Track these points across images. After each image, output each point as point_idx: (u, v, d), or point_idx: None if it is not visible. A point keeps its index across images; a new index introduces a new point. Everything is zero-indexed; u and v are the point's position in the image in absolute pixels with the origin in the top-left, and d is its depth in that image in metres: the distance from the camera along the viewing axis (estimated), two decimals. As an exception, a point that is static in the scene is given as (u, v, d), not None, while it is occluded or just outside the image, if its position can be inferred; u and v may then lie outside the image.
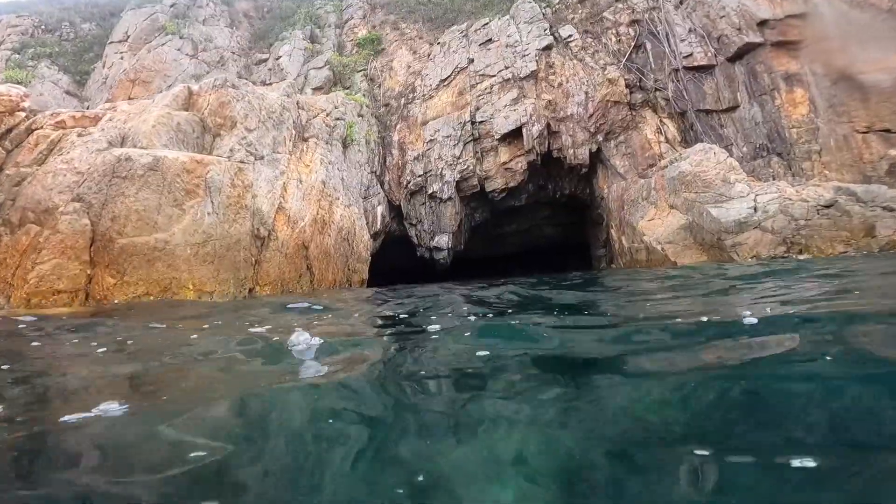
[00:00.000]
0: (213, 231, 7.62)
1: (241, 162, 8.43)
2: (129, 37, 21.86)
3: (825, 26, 13.28)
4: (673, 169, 12.87)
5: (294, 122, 10.19)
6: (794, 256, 9.69)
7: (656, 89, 15.73)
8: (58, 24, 25.12)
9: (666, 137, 15.02)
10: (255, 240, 8.66)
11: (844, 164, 12.25)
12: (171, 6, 23.12)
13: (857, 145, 12.19)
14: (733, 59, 14.56)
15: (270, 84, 19.02)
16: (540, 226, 19.58)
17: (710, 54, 14.99)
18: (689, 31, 15.48)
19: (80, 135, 9.29)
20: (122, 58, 20.91)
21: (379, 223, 15.39)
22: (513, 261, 20.89)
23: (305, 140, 10.49)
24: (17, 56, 22.09)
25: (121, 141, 7.98)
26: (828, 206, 9.89)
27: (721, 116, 14.71)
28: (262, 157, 8.92)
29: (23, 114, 10.60)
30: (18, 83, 19.97)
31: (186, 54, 20.40)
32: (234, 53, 21.59)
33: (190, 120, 8.44)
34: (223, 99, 8.76)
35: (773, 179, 12.31)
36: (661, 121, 15.40)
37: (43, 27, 24.76)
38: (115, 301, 6.37)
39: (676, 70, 15.40)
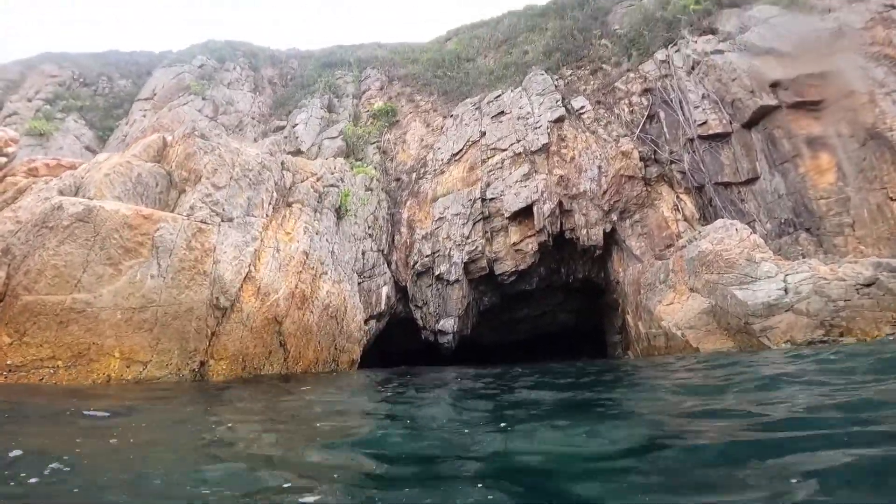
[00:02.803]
0: (157, 296, 6.72)
1: (203, 222, 7.65)
2: (155, 95, 22.55)
3: (847, 82, 12.67)
4: (692, 249, 11.87)
5: (276, 184, 9.49)
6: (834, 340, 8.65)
7: (671, 161, 15.00)
8: (96, 79, 25.97)
9: (683, 215, 14.04)
10: (214, 310, 7.71)
11: (881, 238, 11.17)
12: (200, 67, 23.90)
13: (892, 215, 11.16)
14: (749, 124, 13.94)
15: (286, 152, 19.13)
16: (553, 311, 18.38)
17: (724, 121, 14.43)
18: (703, 97, 15.06)
19: (46, 183, 8.83)
20: (144, 116, 21.43)
21: (383, 304, 14.66)
22: (525, 347, 19.56)
23: (289, 205, 9.75)
24: (49, 107, 22.70)
25: (74, 191, 7.37)
26: (868, 285, 8.97)
27: (741, 189, 13.84)
28: (230, 219, 8.15)
29: (4, 159, 10.36)
30: (41, 135, 20.68)
31: (206, 116, 20.75)
32: (253, 119, 21.94)
33: (154, 172, 7.84)
34: (189, 150, 8.15)
35: (803, 257, 11.16)
36: (677, 196, 14.51)
37: (81, 80, 25.59)
38: (9, 362, 5.41)
39: (691, 140, 14.75)
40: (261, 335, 8.47)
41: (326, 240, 10.17)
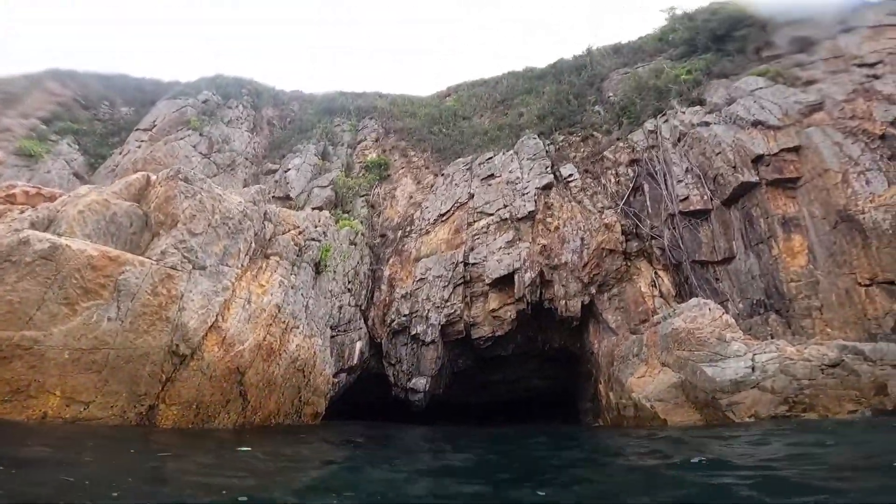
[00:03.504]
0: (111, 339, 6.55)
1: (173, 268, 7.56)
2: (155, 126, 22.52)
3: (822, 159, 12.79)
4: (666, 325, 12.08)
5: (256, 234, 9.48)
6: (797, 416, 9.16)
7: (652, 237, 15.20)
8: (98, 102, 25.60)
9: (660, 291, 14.19)
10: (172, 356, 7.54)
11: (848, 322, 11.34)
12: (204, 102, 23.85)
13: (860, 300, 11.28)
14: (729, 202, 14.10)
15: (274, 197, 19.16)
16: (528, 377, 18.14)
17: (706, 197, 14.58)
18: (687, 170, 15.19)
19: (21, 212, 8.75)
20: (139, 147, 21.43)
21: (356, 358, 14.60)
22: (500, 409, 19.22)
23: (267, 257, 9.71)
24: (44, 127, 22.24)
25: (47, 224, 7.30)
26: (833, 366, 9.44)
27: (716, 269, 13.99)
28: (203, 267, 8.06)
29: (-18, 184, 10.25)
30: (30, 156, 20.52)
31: (200, 152, 20.89)
32: (246, 159, 22.06)
33: (130, 212, 7.81)
34: (170, 193, 8.14)
35: (772, 338, 11.34)
36: (655, 273, 14.69)
37: (83, 102, 25.19)
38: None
39: (672, 216, 14.95)
40: (220, 384, 8.24)
41: (301, 294, 10.09)
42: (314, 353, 10.22)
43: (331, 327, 12.24)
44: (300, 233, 10.47)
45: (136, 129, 23.08)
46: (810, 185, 12.95)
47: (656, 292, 14.18)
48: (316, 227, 11.16)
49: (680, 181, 15.17)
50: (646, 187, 16.15)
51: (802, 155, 13.29)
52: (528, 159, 18.64)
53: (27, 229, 6.92)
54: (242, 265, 8.84)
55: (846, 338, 10.81)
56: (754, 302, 12.88)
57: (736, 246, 13.74)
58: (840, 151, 12.70)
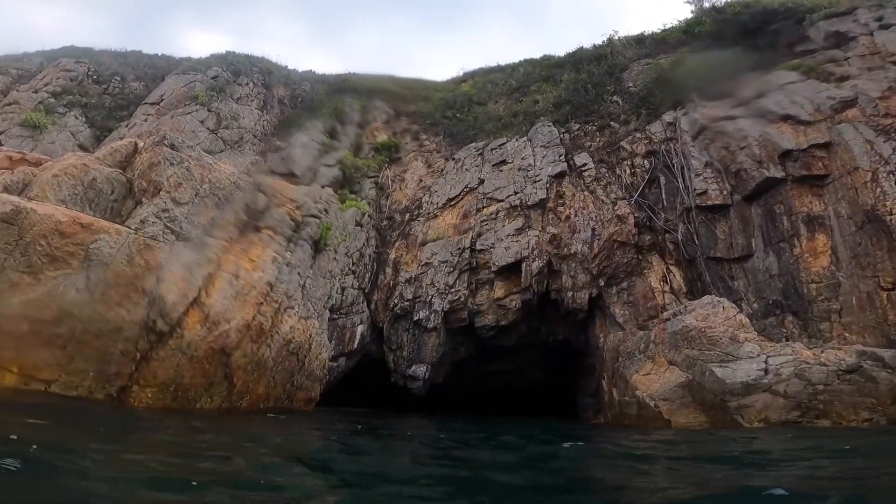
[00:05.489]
0: (79, 311, 6.18)
1: (153, 238, 7.16)
2: (162, 100, 22.31)
3: (852, 157, 12.20)
4: (676, 322, 11.66)
5: (247, 206, 9.08)
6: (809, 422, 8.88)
7: (665, 231, 14.55)
8: (109, 77, 25.46)
9: (671, 287, 13.57)
10: (148, 332, 7.15)
11: (867, 326, 10.84)
12: (213, 78, 23.48)
13: (881, 305, 10.74)
14: (750, 197, 13.48)
15: (278, 173, 18.80)
16: (529, 369, 17.60)
17: (725, 192, 14.00)
18: (706, 164, 14.60)
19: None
20: (146, 120, 21.16)
21: (357, 343, 14.22)
22: (496, 398, 18.82)
23: (258, 230, 9.27)
24: (53, 100, 22.12)
25: (21, 188, 6.93)
26: (851, 372, 9.09)
27: (732, 266, 13.37)
28: (187, 238, 7.65)
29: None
30: (35, 127, 20.36)
31: (207, 128, 20.55)
32: (255, 136, 21.66)
33: (112, 178, 7.40)
34: (154, 159, 7.71)
35: (787, 340, 10.89)
36: (667, 268, 14.05)
37: (95, 77, 25.13)
38: None
39: (689, 210, 14.30)
40: (202, 365, 7.84)
41: (298, 273, 9.65)
42: (310, 335, 9.82)
43: (330, 309, 11.83)
44: (297, 207, 10.02)
45: (144, 104, 22.80)
46: (838, 184, 12.35)
47: (667, 288, 13.59)
48: (316, 203, 10.69)
49: (698, 175, 14.54)
50: (662, 180, 15.53)
51: (832, 152, 12.68)
52: (541, 146, 18.01)
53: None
54: (231, 238, 8.43)
55: (865, 343, 10.35)
56: (770, 302, 12.32)
57: (755, 243, 13.14)
58: (871, 150, 12.13)
